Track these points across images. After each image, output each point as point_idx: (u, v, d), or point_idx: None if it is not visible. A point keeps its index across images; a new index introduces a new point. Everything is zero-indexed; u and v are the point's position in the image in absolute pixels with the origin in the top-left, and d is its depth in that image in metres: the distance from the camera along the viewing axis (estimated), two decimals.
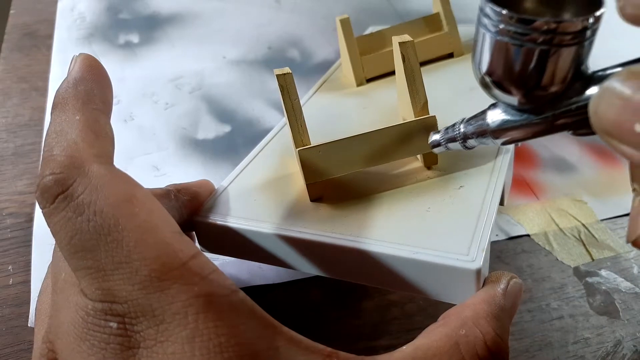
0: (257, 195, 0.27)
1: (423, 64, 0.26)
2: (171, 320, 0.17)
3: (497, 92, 0.20)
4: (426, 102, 0.26)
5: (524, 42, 0.18)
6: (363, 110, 0.33)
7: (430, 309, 0.30)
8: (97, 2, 0.58)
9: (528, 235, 0.34)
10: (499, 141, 0.22)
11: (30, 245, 0.33)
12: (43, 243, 0.33)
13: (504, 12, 0.18)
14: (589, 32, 0.18)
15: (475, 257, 0.22)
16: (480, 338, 0.20)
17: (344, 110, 0.34)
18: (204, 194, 0.27)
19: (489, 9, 0.19)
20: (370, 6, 0.56)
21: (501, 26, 0.19)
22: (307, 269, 0.25)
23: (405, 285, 0.24)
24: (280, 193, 0.27)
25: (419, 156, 0.28)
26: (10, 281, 0.32)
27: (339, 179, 0.27)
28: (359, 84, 0.36)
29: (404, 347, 0.20)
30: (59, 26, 0.54)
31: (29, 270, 0.32)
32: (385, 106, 0.33)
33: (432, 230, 0.24)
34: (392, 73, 0.36)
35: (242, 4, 0.58)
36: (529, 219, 0.35)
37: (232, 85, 0.47)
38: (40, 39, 0.53)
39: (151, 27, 0.54)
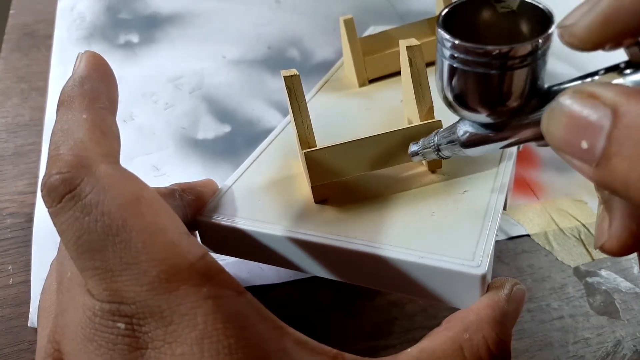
0: (260, 195, 0.27)
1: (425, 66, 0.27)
2: (180, 322, 0.17)
3: (460, 110, 0.21)
4: (432, 106, 0.27)
5: (476, 68, 0.19)
6: (366, 112, 0.33)
7: (430, 310, 0.30)
8: (97, 2, 0.58)
9: (528, 235, 0.34)
10: (469, 152, 0.23)
11: (30, 245, 0.33)
12: (43, 243, 0.33)
13: (457, 41, 0.19)
14: (539, 52, 0.19)
15: (481, 263, 0.22)
16: (484, 342, 0.20)
17: (347, 111, 0.34)
18: (208, 194, 0.27)
19: (442, 37, 0.20)
20: (371, 6, 0.56)
21: (455, 54, 0.20)
22: (311, 270, 0.26)
23: (409, 289, 0.24)
24: (284, 194, 0.27)
25: (423, 160, 0.28)
26: (10, 281, 0.32)
27: (344, 181, 0.27)
28: (361, 85, 0.36)
29: (409, 350, 0.20)
30: (58, 26, 0.54)
31: (29, 270, 0.32)
32: (388, 108, 0.33)
33: (437, 235, 0.24)
34: (395, 74, 0.36)
35: (242, 4, 0.58)
36: (529, 219, 0.35)
37: (232, 85, 0.47)
38: (40, 39, 0.53)
39: (151, 27, 0.54)
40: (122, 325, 0.18)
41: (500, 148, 0.22)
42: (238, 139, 0.41)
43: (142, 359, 0.17)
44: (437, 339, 0.21)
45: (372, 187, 0.27)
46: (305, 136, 0.26)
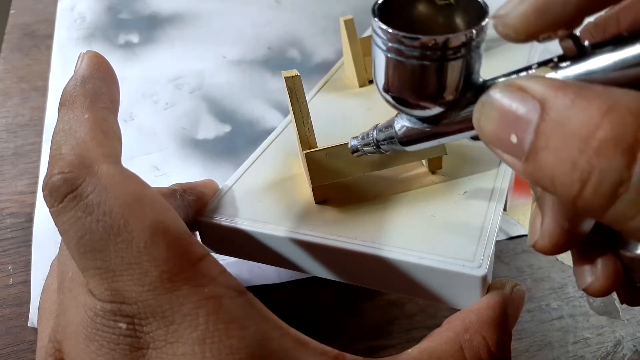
0: (261, 196, 0.27)
1: None
2: (181, 322, 0.17)
3: (394, 104, 0.21)
4: None
5: (410, 59, 0.19)
6: (366, 112, 0.33)
7: (430, 309, 0.30)
8: (97, 2, 0.58)
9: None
10: (407, 147, 0.23)
11: (30, 245, 0.33)
12: (43, 243, 0.33)
13: (390, 30, 0.19)
14: (474, 44, 0.19)
15: (481, 264, 0.22)
16: (484, 343, 0.20)
17: (347, 112, 0.34)
18: (209, 194, 0.27)
19: (377, 27, 0.20)
20: (370, 6, 0.56)
21: (389, 44, 0.19)
22: (311, 271, 0.26)
23: (410, 289, 0.24)
24: (284, 194, 0.27)
25: (423, 161, 0.28)
26: (10, 281, 0.32)
27: (344, 182, 0.27)
28: (361, 85, 0.36)
29: (409, 350, 0.20)
30: (59, 26, 0.54)
31: (29, 270, 0.32)
32: (388, 108, 0.33)
33: (437, 236, 0.24)
34: None
35: (242, 4, 0.58)
36: (529, 219, 0.35)
37: (232, 85, 0.47)
38: (40, 39, 0.53)
39: (151, 27, 0.54)
40: (123, 325, 0.18)
41: (439, 143, 0.22)
42: (238, 139, 0.41)
43: (144, 358, 0.17)
44: (437, 339, 0.21)
45: (372, 188, 0.27)
46: (306, 137, 0.26)
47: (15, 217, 0.35)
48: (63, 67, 0.48)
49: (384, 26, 0.19)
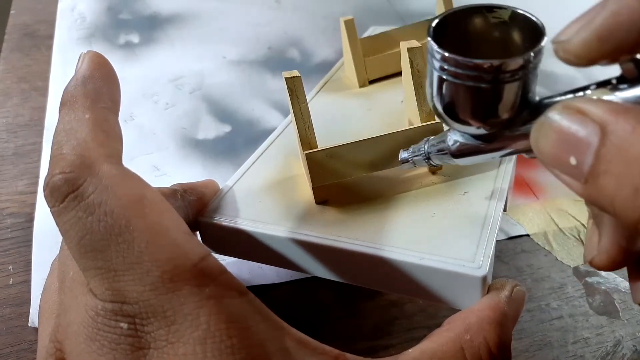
0: (261, 196, 0.27)
1: None
2: (182, 322, 0.17)
3: (449, 121, 0.21)
4: None
5: (467, 81, 0.19)
6: (367, 112, 0.33)
7: (430, 309, 0.30)
8: (98, 2, 0.58)
9: (528, 235, 0.34)
10: (459, 161, 0.23)
11: (30, 245, 0.33)
12: (43, 243, 0.33)
13: (447, 54, 0.19)
14: (531, 66, 0.19)
15: (481, 264, 0.22)
16: (485, 344, 0.21)
17: (348, 112, 0.34)
18: (209, 194, 0.27)
19: (434, 50, 0.20)
20: (371, 6, 0.57)
21: (446, 66, 0.19)
22: (311, 271, 0.26)
23: (410, 290, 0.24)
24: (285, 195, 0.27)
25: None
26: (11, 281, 0.32)
27: (345, 182, 0.27)
28: (361, 85, 0.36)
29: (410, 350, 0.20)
30: (59, 26, 0.54)
31: (29, 270, 0.32)
32: (389, 108, 0.33)
33: (438, 236, 0.24)
34: (395, 75, 0.36)
35: (242, 4, 0.58)
36: (529, 219, 0.35)
37: (232, 85, 0.47)
38: (40, 39, 0.53)
39: (151, 27, 0.54)
40: (124, 325, 0.18)
41: (491, 159, 0.22)
42: (238, 139, 0.41)
43: (145, 358, 0.17)
44: (438, 339, 0.21)
45: (373, 188, 0.27)
46: (306, 137, 0.26)
47: (15, 217, 0.35)
48: (63, 67, 0.48)
49: (439, 48, 0.19)
